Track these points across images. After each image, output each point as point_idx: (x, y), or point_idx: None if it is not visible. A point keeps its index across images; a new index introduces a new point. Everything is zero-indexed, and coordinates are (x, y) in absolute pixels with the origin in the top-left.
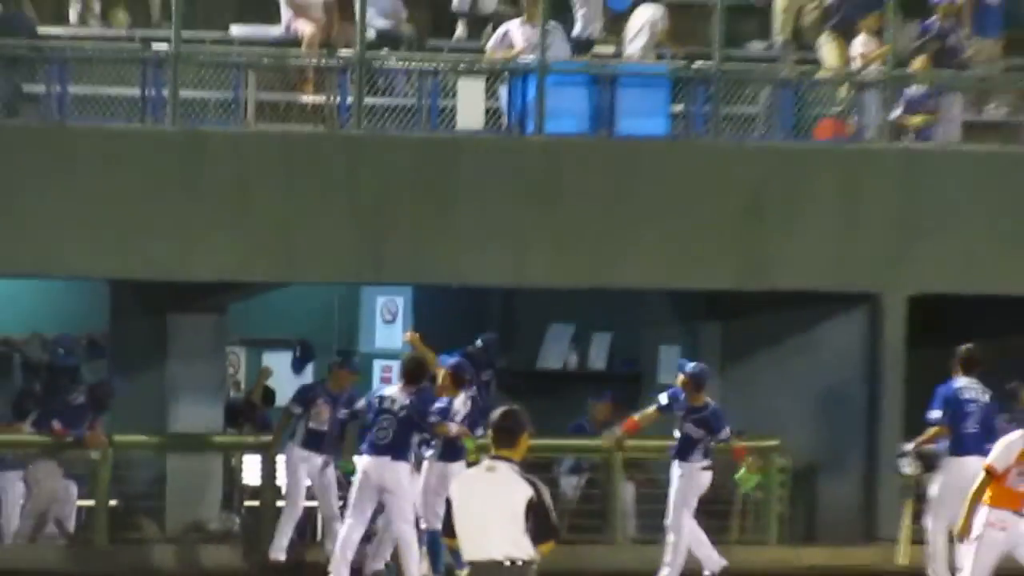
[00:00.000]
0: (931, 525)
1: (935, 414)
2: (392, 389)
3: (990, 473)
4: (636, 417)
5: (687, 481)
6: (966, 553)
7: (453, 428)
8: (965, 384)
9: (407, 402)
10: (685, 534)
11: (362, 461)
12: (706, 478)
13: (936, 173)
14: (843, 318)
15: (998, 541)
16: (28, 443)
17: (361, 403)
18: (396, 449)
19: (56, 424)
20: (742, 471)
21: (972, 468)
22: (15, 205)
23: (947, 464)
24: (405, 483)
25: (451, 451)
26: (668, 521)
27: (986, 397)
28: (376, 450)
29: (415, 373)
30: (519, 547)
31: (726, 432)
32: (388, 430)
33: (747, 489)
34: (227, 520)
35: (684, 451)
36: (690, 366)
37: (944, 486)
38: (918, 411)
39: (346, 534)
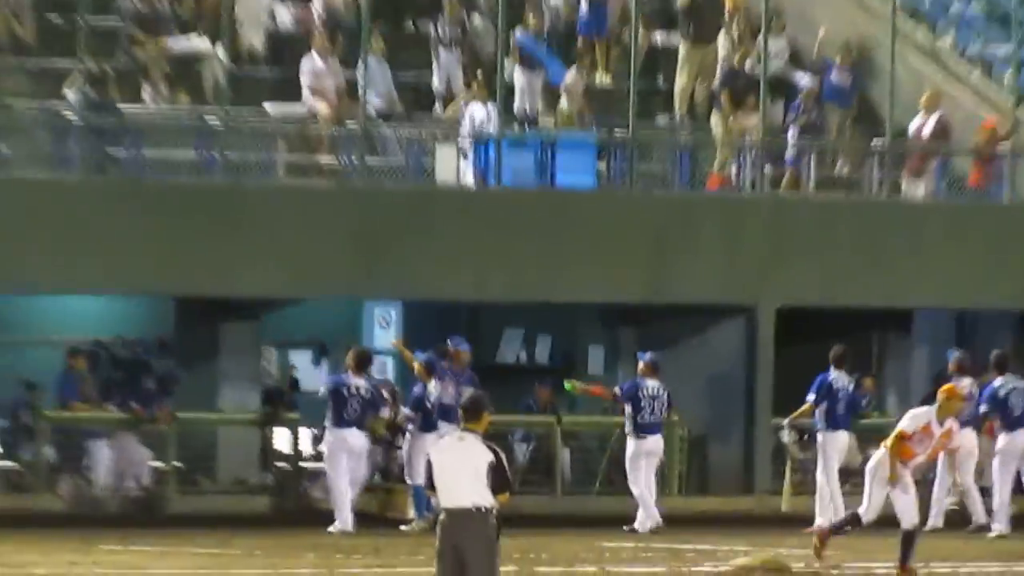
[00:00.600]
0: (820, 480)
1: (810, 397)
2: (350, 378)
3: (902, 437)
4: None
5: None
6: (866, 490)
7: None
8: (836, 376)
9: (368, 387)
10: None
11: (338, 432)
12: (639, 445)
13: (798, 215)
14: (727, 324)
15: (886, 480)
16: (113, 419)
17: (322, 390)
18: (360, 422)
19: (134, 404)
20: (571, 384)
21: (841, 439)
22: (105, 241)
23: (823, 437)
24: (365, 447)
25: (427, 423)
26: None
27: (851, 386)
28: (348, 423)
29: (362, 361)
30: (483, 497)
31: (616, 389)
32: (357, 409)
33: (568, 388)
34: (263, 477)
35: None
36: (648, 355)
37: (824, 453)
38: (785, 393)
39: (341, 488)
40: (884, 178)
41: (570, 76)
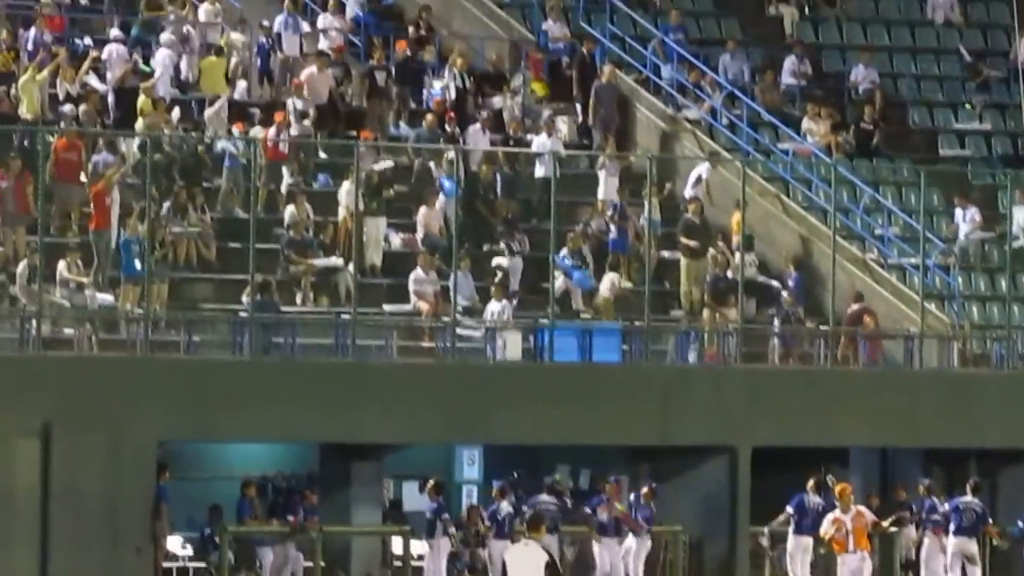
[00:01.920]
0: (790, 570)
1: (789, 510)
2: (432, 501)
3: (828, 538)
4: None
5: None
6: None
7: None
8: (810, 497)
9: (443, 506)
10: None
11: (438, 539)
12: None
13: (768, 383)
14: (716, 459)
15: (850, 568)
16: (275, 531)
17: (428, 514)
18: (445, 532)
19: (291, 518)
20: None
21: (805, 541)
22: (268, 402)
23: (794, 540)
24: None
25: (500, 533)
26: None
27: (819, 507)
28: (442, 534)
29: (438, 489)
30: None
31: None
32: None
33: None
34: (383, 572)
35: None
36: (651, 484)
37: (793, 550)
38: (758, 508)
39: (443, 572)
40: (828, 352)
41: (605, 282)
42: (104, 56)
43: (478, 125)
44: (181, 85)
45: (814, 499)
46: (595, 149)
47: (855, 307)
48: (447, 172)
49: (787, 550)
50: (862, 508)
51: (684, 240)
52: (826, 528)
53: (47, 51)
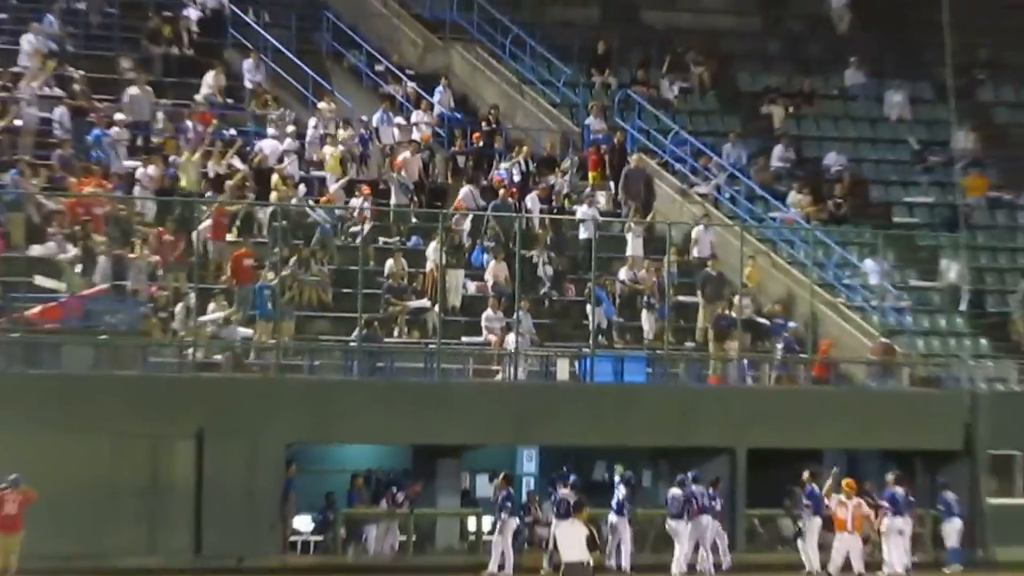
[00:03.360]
0: (801, 545)
1: (805, 501)
2: (505, 490)
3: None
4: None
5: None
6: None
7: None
8: (814, 486)
9: (512, 494)
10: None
11: (508, 519)
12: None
13: (761, 400)
14: (719, 458)
15: (847, 545)
16: (379, 513)
17: (499, 500)
18: (513, 513)
19: (390, 505)
20: None
21: (818, 521)
22: (372, 412)
23: (810, 521)
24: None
25: (560, 514)
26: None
27: (818, 490)
28: (512, 514)
29: (508, 481)
30: (584, 554)
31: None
32: (511, 506)
33: None
34: (461, 545)
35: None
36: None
37: (809, 528)
38: (752, 493)
39: (509, 547)
40: (807, 375)
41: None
42: (262, 146)
43: (534, 194)
44: (306, 167)
45: (816, 487)
46: (625, 217)
47: (880, 341)
48: (489, 236)
49: (800, 528)
50: (862, 501)
51: (702, 288)
52: (834, 507)
53: (199, 139)
